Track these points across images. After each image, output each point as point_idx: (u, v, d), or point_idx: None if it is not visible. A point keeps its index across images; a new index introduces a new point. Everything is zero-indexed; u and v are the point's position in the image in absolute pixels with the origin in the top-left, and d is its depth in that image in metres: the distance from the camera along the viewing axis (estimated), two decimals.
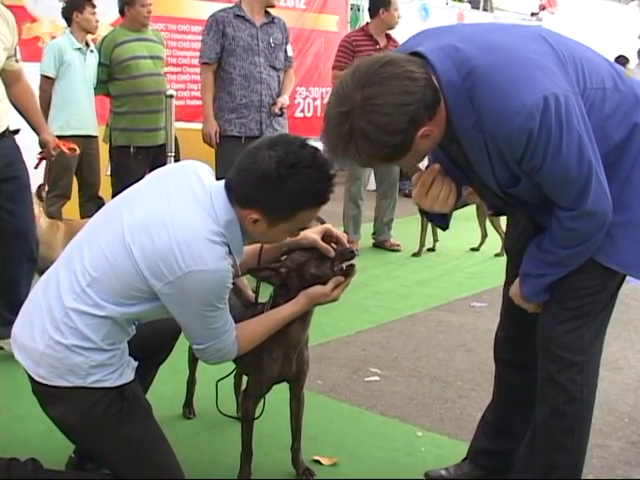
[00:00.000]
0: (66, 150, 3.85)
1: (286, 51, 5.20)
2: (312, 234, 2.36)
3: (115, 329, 2.11)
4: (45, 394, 2.14)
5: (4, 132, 3.28)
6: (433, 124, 1.87)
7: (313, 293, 2.33)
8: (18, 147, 3.47)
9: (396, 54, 1.91)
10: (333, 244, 2.39)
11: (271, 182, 2.02)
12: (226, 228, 2.08)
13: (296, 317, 2.36)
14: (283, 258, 2.41)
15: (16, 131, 3.48)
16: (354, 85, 1.81)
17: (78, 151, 4.19)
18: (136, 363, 2.25)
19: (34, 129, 3.58)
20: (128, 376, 2.18)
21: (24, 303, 2.23)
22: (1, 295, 3.45)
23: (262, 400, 2.52)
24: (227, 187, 2.12)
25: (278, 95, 5.11)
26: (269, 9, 5.14)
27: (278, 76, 5.13)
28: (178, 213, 2.05)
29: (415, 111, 1.79)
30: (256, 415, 2.52)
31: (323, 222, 4.60)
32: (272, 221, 2.10)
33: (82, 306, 2.06)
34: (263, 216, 2.08)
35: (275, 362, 2.45)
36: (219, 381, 2.69)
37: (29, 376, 2.14)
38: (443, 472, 2.65)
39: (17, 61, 3.43)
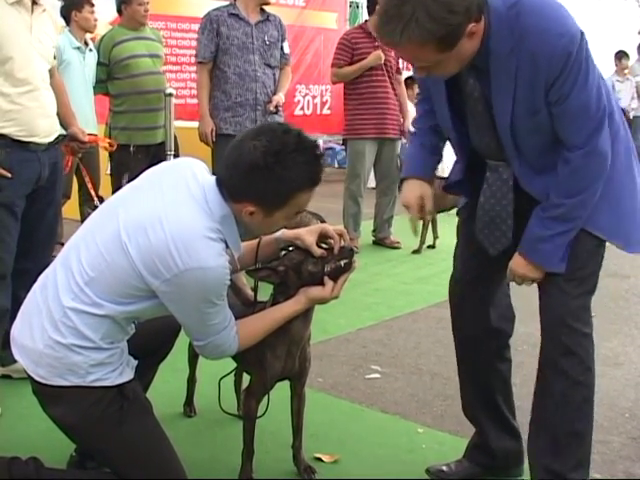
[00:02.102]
0: (105, 144, 3.84)
1: (282, 48, 5.19)
2: (308, 236, 2.35)
3: (114, 328, 2.12)
4: (45, 394, 2.14)
5: (56, 140, 3.32)
6: (477, 28, 2.00)
7: (313, 294, 2.33)
8: (63, 155, 3.54)
9: None
10: (332, 242, 2.38)
11: (260, 172, 2.03)
12: (222, 223, 2.09)
13: (297, 315, 2.37)
14: (281, 254, 2.41)
15: (64, 136, 3.53)
16: None
17: (115, 147, 4.18)
18: (136, 362, 2.25)
19: (62, 124, 3.60)
20: (128, 375, 2.18)
21: (22, 303, 2.23)
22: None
23: (265, 399, 2.51)
24: (218, 183, 2.13)
25: (274, 93, 5.11)
26: (264, 6, 5.12)
27: (274, 74, 5.12)
28: (173, 210, 2.05)
29: (470, 2, 1.95)
30: (259, 414, 2.51)
31: (323, 221, 4.61)
32: (268, 211, 2.10)
33: (80, 305, 2.07)
34: (258, 207, 2.09)
35: (278, 359, 2.45)
36: (222, 379, 2.69)
37: (29, 376, 2.14)
38: (444, 468, 2.66)
39: (54, 58, 3.47)
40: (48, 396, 2.14)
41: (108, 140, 3.97)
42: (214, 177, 2.16)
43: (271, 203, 2.09)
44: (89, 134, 5.03)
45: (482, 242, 2.36)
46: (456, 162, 2.49)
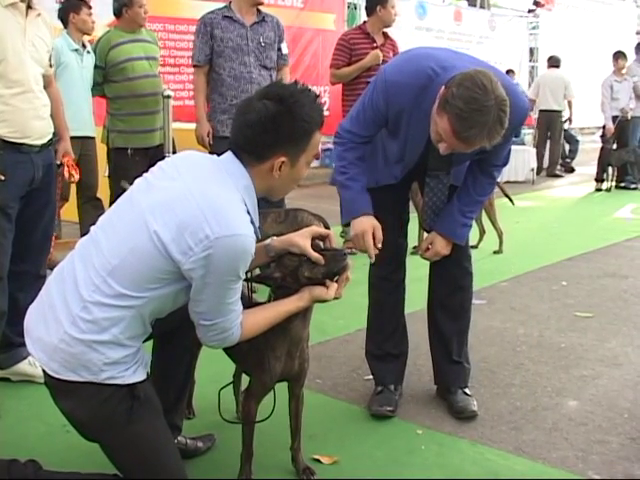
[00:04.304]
0: (66, 173, 3.81)
1: (280, 49, 5.17)
2: (301, 240, 2.36)
3: (135, 322, 2.11)
4: (57, 387, 2.13)
5: (49, 142, 3.33)
6: None
7: (316, 294, 2.35)
8: (55, 157, 3.54)
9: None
10: (321, 242, 2.41)
11: (283, 117, 2.13)
12: (245, 193, 2.15)
13: (298, 312, 2.38)
14: (272, 264, 2.41)
15: (57, 140, 3.54)
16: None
17: (76, 179, 4.06)
18: (149, 360, 2.25)
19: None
20: (141, 374, 2.17)
21: (37, 297, 2.21)
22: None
23: (268, 402, 2.50)
24: (236, 153, 2.19)
25: None
26: (260, 7, 5.10)
27: (270, 75, 5.10)
28: (198, 186, 2.09)
29: None
30: (261, 418, 2.50)
31: (325, 222, 4.61)
32: (295, 157, 2.19)
33: (103, 298, 2.06)
34: (287, 155, 2.17)
35: (278, 360, 2.45)
36: (221, 390, 2.67)
37: (42, 369, 2.14)
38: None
39: (51, 66, 3.45)
40: (59, 389, 2.13)
41: (73, 172, 3.84)
42: (227, 153, 2.21)
43: (298, 146, 2.18)
44: (81, 137, 5.06)
45: (424, 224, 3.21)
46: (387, 175, 3.09)
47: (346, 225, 3.00)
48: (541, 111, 11.92)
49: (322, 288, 2.35)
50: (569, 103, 11.97)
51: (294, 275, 2.36)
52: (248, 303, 2.47)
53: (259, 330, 2.31)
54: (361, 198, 2.95)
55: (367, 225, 2.90)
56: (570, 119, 12.10)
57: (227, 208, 2.06)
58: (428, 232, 3.16)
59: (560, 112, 11.91)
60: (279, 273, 2.38)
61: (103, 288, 2.06)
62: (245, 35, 4.97)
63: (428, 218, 3.13)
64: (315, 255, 2.33)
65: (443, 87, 2.60)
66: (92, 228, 2.22)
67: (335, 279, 2.37)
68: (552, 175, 12.12)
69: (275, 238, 2.45)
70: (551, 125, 12.00)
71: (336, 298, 2.38)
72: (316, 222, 4.50)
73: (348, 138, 2.96)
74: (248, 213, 2.15)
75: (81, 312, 2.06)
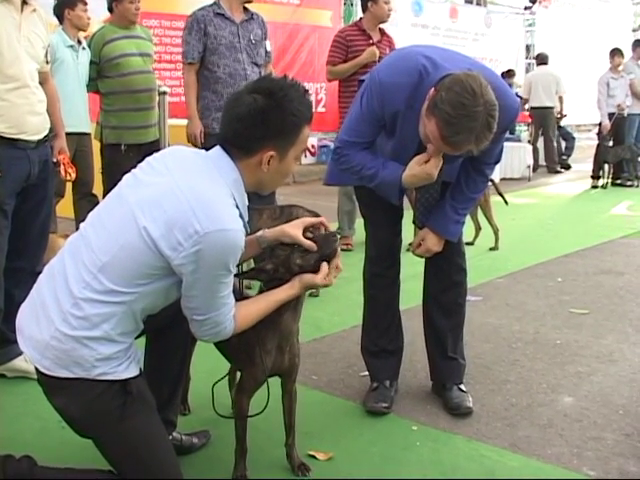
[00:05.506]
0: (62, 172, 3.81)
1: (265, 47, 5.18)
2: (293, 229, 2.38)
3: (126, 318, 2.10)
4: (49, 384, 2.13)
5: (45, 138, 3.32)
6: None
7: (306, 279, 2.37)
8: (52, 153, 3.53)
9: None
10: (311, 232, 2.42)
11: (272, 111, 2.13)
12: (234, 187, 2.15)
13: (289, 302, 2.39)
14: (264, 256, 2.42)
15: (53, 136, 3.53)
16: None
17: (72, 177, 4.08)
18: (141, 356, 2.25)
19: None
20: (133, 370, 2.17)
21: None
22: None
23: (262, 397, 2.50)
24: (225, 147, 2.18)
25: None
26: (248, 5, 5.08)
27: (260, 72, 5.09)
28: (186, 181, 2.08)
29: None
30: (255, 412, 2.50)
31: (319, 216, 4.61)
32: (283, 151, 2.19)
33: (93, 294, 2.05)
34: (276, 149, 2.17)
35: (269, 354, 2.46)
36: (215, 384, 2.67)
37: (35, 366, 2.13)
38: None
39: (47, 62, 3.44)
40: (52, 386, 2.13)
41: (70, 170, 3.86)
42: (215, 147, 2.21)
43: (286, 140, 2.18)
44: (76, 133, 5.04)
45: (417, 220, 3.17)
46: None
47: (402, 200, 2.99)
48: (533, 108, 11.94)
49: (312, 274, 2.36)
50: (560, 99, 12.05)
51: (286, 265, 2.37)
52: (240, 297, 2.48)
53: (252, 322, 2.32)
54: (389, 166, 2.84)
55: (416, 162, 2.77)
56: (561, 114, 12.15)
57: (216, 202, 2.06)
58: (421, 229, 3.15)
59: (552, 108, 11.98)
60: (271, 265, 2.38)
61: (93, 284, 2.06)
62: (236, 32, 4.96)
63: (420, 215, 3.14)
64: (307, 242, 2.35)
65: (433, 89, 2.60)
66: (81, 225, 2.21)
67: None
68: (553, 171, 12.14)
69: (267, 230, 2.45)
70: (544, 121, 12.07)
71: (326, 285, 2.39)
72: (309, 215, 4.50)
73: (348, 152, 2.90)
74: (237, 207, 2.15)
75: (72, 309, 2.06)
